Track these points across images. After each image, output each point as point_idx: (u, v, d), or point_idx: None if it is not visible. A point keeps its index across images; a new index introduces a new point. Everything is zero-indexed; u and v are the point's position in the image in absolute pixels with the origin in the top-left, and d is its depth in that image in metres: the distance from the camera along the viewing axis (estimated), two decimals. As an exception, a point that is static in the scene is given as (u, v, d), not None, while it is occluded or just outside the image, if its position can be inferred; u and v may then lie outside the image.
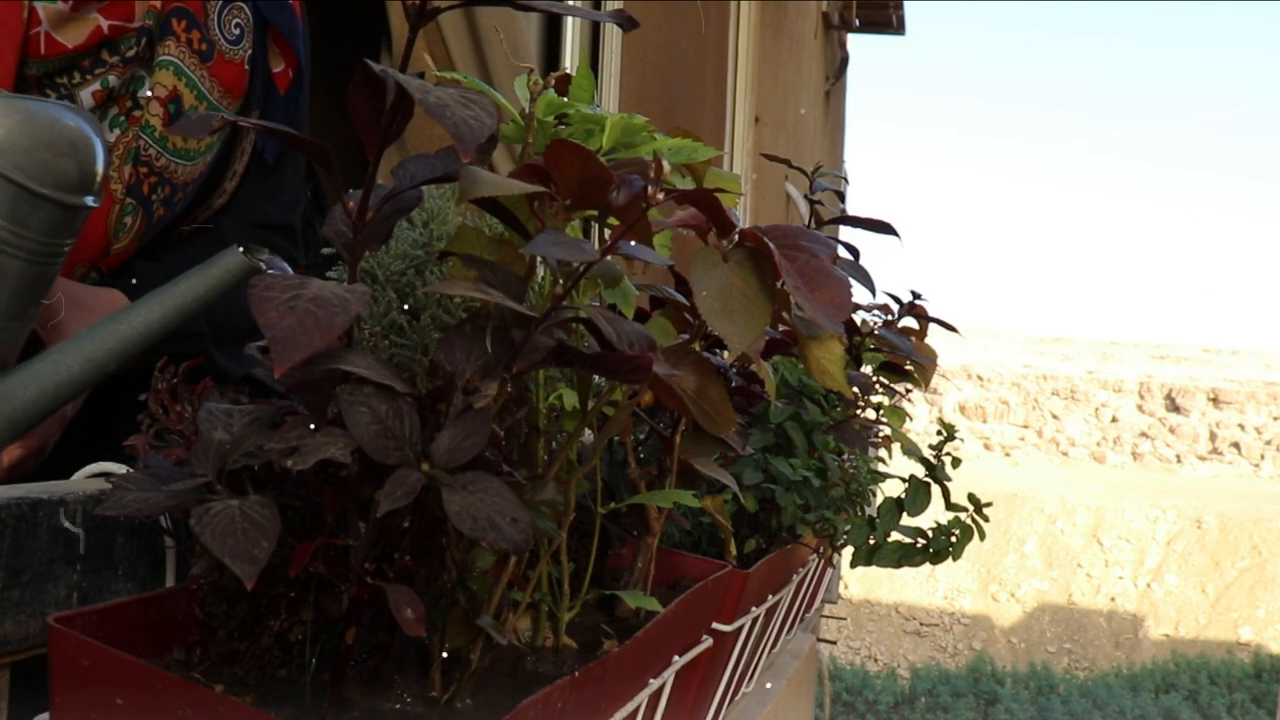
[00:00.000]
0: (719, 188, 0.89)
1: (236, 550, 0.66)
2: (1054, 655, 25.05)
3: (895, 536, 1.80)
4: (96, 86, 1.30)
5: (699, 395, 0.94)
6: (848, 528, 1.71)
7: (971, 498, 1.80)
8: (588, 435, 1.02)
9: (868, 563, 1.81)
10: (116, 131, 1.35)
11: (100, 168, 1.05)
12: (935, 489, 1.82)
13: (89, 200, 1.05)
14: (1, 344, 1.10)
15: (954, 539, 1.79)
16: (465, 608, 0.79)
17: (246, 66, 1.48)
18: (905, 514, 1.79)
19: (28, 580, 0.86)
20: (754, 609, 1.49)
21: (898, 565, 1.81)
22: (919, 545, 1.81)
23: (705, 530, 1.55)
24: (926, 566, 1.86)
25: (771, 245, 0.82)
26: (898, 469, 1.91)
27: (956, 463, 1.83)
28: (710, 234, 0.88)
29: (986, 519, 1.79)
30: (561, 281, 0.81)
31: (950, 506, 1.81)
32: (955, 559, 1.79)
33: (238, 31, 1.46)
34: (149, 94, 1.36)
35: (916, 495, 1.79)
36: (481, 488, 0.70)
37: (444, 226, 0.96)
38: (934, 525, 1.81)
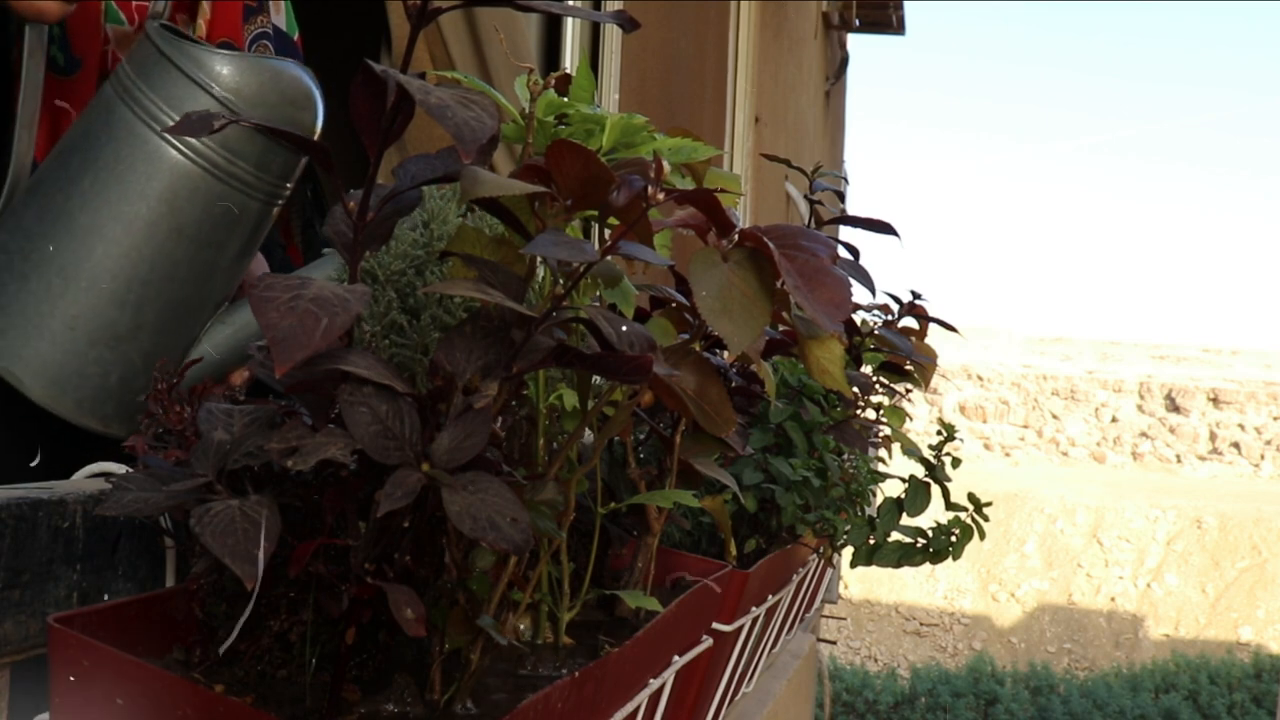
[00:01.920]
0: (719, 188, 0.89)
1: (236, 550, 0.66)
2: (1054, 655, 25.03)
3: (895, 536, 1.80)
4: None
5: (699, 395, 0.94)
6: (848, 528, 1.71)
7: (971, 497, 1.80)
8: (588, 435, 1.02)
9: (868, 562, 1.81)
10: None
11: (321, 119, 1.18)
12: (935, 489, 1.82)
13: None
14: (233, 280, 1.21)
15: (954, 539, 1.79)
16: (465, 608, 0.79)
17: None
18: (905, 514, 1.79)
19: (28, 580, 0.86)
20: (754, 609, 1.49)
21: (898, 565, 1.81)
22: (919, 545, 1.81)
23: (705, 530, 1.55)
24: (926, 566, 1.86)
25: (771, 245, 0.82)
26: (898, 469, 1.91)
27: (956, 463, 1.83)
28: (710, 234, 0.88)
29: (986, 519, 1.79)
30: (561, 282, 0.81)
31: (950, 506, 1.81)
32: (955, 559, 1.79)
33: None
34: None
35: (916, 495, 1.79)
36: (482, 488, 0.70)
37: (444, 226, 0.96)
38: (934, 525, 1.81)
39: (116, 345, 1.13)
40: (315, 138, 1.16)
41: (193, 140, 1.11)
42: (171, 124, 1.09)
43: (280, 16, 1.61)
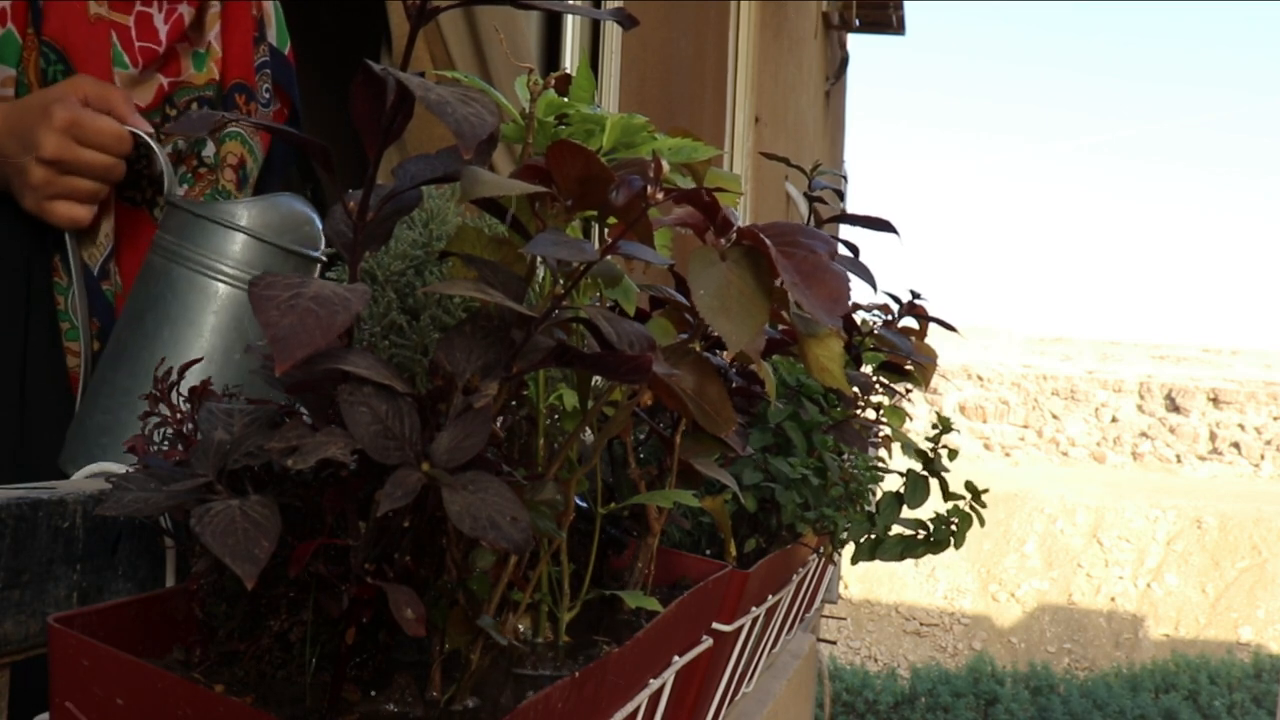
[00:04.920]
0: (719, 187, 0.89)
1: (237, 550, 0.66)
2: (1054, 655, 25.04)
3: (896, 529, 1.80)
4: (169, 149, 1.48)
5: (699, 395, 0.94)
6: (848, 525, 1.72)
7: (969, 485, 1.80)
8: (588, 435, 1.02)
9: (870, 557, 1.82)
10: (186, 187, 1.52)
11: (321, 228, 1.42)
12: (934, 483, 1.82)
13: (320, 254, 1.41)
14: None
15: (954, 527, 1.79)
16: (465, 608, 0.79)
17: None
18: (905, 507, 1.80)
19: (28, 580, 0.86)
20: (754, 609, 1.49)
21: (901, 557, 1.81)
22: (920, 536, 1.82)
23: (705, 530, 1.55)
24: (926, 566, 1.87)
25: (769, 243, 0.82)
26: (898, 468, 1.91)
27: (953, 455, 1.84)
28: (708, 233, 0.88)
29: (984, 505, 1.80)
30: (561, 281, 0.81)
31: (948, 496, 1.82)
32: (958, 547, 1.79)
33: (268, 95, 1.63)
34: (214, 157, 1.57)
35: (915, 489, 1.80)
36: (482, 488, 0.70)
37: (444, 226, 0.96)
38: (934, 515, 1.82)
39: None
40: (320, 248, 1.39)
41: (240, 276, 1.34)
42: (224, 269, 1.33)
43: (273, 30, 1.66)
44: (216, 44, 1.54)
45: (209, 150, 1.54)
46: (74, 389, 1.41)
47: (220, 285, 1.34)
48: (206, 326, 1.33)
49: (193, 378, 1.29)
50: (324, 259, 1.42)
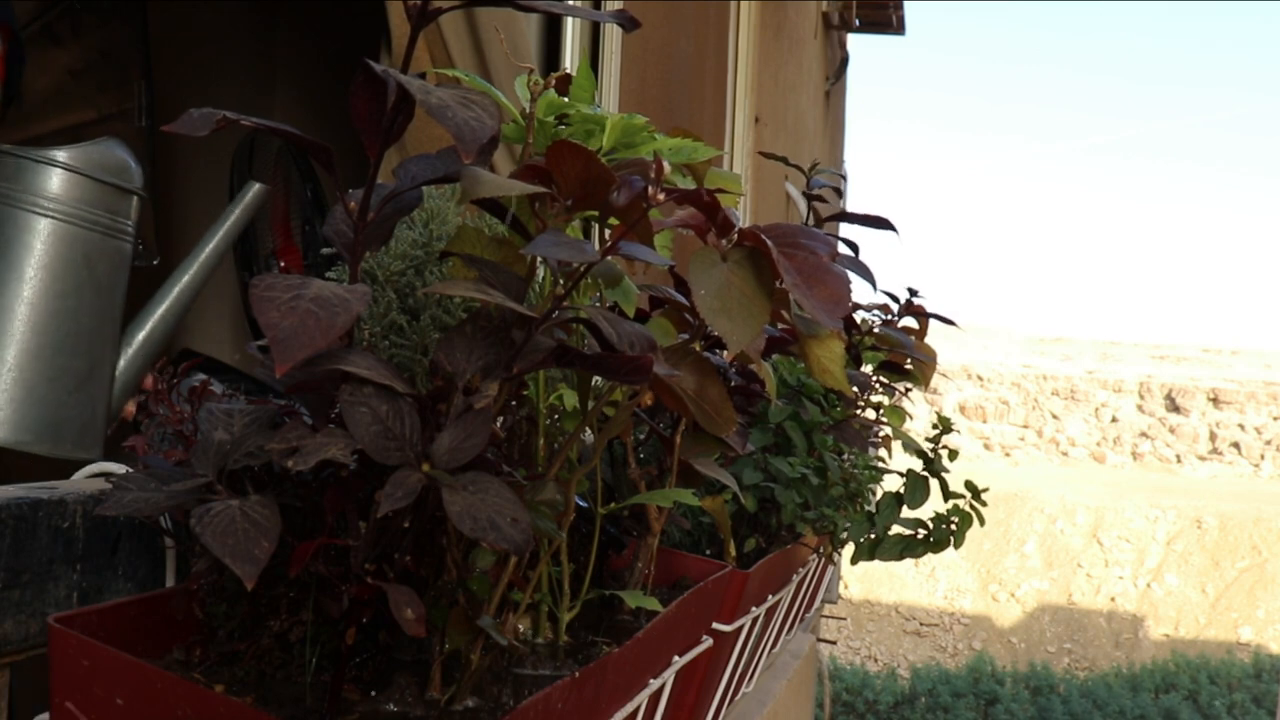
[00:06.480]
0: (719, 188, 0.89)
1: (237, 550, 0.66)
2: (1054, 655, 25.02)
3: (896, 529, 1.81)
4: None
5: (699, 395, 0.94)
6: (848, 525, 1.72)
7: (969, 484, 1.80)
8: (588, 435, 1.02)
9: (870, 557, 1.82)
10: None
11: (139, 173, 1.49)
12: (934, 484, 1.82)
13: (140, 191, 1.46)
14: (119, 312, 1.42)
15: (954, 526, 1.79)
16: (465, 608, 0.79)
17: None
18: (905, 507, 1.80)
19: (28, 580, 0.86)
20: (754, 609, 1.49)
21: (900, 557, 1.82)
22: (920, 536, 1.82)
23: (705, 530, 1.55)
24: (926, 566, 1.87)
25: (770, 244, 0.82)
26: (898, 467, 1.91)
27: (953, 455, 1.84)
28: (710, 234, 0.88)
29: (984, 504, 1.80)
30: (562, 282, 0.81)
31: (948, 495, 1.82)
32: (957, 546, 1.79)
33: None
34: None
35: (915, 489, 1.80)
36: (482, 488, 0.70)
37: (444, 227, 0.96)
38: (933, 515, 1.82)
39: (84, 386, 1.39)
40: (141, 188, 1.45)
41: (79, 211, 1.39)
42: (49, 206, 1.38)
43: None
44: None
45: None
46: None
47: (65, 225, 1.39)
48: (60, 268, 1.37)
49: (47, 319, 1.35)
50: (144, 195, 1.49)
